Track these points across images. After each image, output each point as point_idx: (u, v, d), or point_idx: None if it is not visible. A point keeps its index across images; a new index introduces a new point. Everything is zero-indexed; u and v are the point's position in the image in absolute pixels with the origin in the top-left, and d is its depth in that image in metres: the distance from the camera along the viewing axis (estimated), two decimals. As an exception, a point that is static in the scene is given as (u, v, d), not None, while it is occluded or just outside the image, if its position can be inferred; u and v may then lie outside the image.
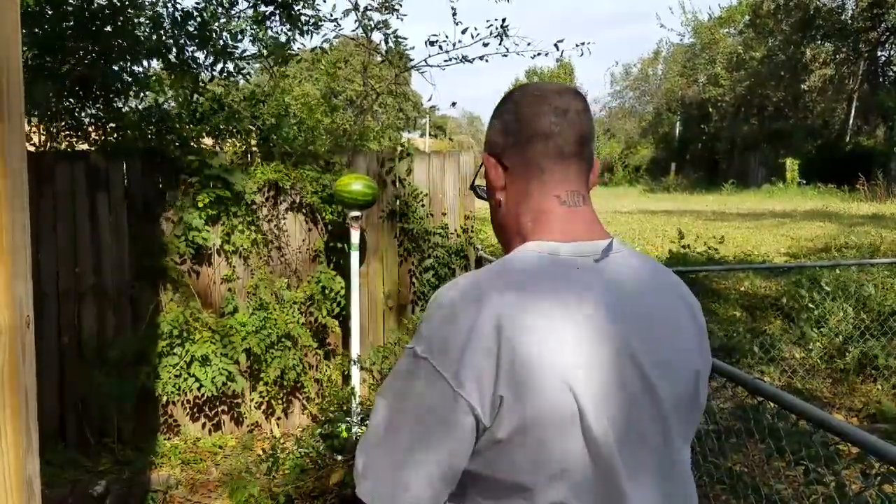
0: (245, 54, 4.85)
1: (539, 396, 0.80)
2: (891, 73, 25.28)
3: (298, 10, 4.82)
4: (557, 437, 0.81)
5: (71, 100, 4.42)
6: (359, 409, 4.00)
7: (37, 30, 4.15)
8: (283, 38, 4.97)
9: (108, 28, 4.32)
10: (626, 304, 0.89)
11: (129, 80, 4.49)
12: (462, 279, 0.90)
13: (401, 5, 5.15)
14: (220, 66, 4.74)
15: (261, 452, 4.06)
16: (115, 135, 4.38)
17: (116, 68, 4.38)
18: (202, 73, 4.76)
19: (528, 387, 0.80)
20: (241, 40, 4.74)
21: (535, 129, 0.95)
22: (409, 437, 0.85)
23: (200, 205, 4.06)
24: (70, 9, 4.26)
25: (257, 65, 5.23)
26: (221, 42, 4.65)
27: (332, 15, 5.12)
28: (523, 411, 0.80)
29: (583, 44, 5.55)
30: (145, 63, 4.67)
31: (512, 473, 0.83)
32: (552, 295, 0.86)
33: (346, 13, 5.10)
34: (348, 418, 3.91)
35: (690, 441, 0.97)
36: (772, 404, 1.92)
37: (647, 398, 0.87)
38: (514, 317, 0.82)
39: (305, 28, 4.92)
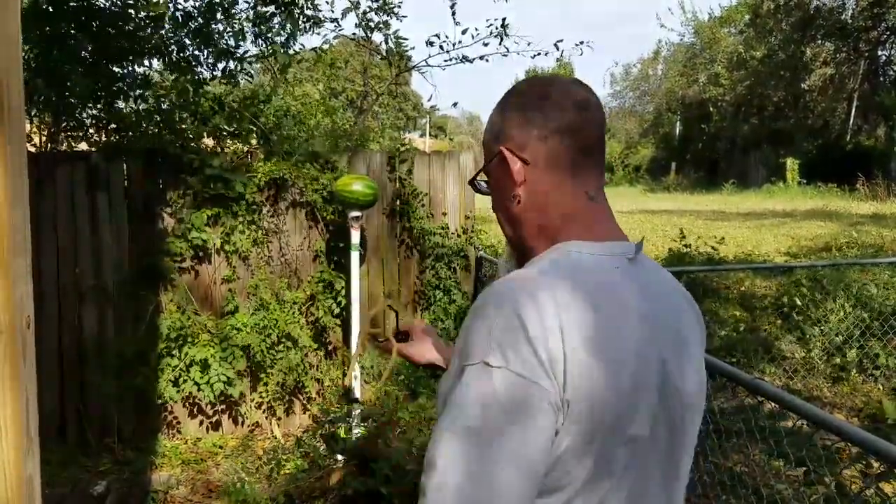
0: (247, 54, 4.85)
1: (599, 400, 0.79)
2: (891, 73, 25.26)
3: (299, 11, 4.81)
4: (612, 441, 0.81)
5: (71, 100, 4.42)
6: (359, 410, 4.01)
7: (37, 31, 4.15)
8: (283, 39, 4.97)
9: (110, 29, 4.32)
10: (658, 307, 0.90)
11: (130, 81, 4.49)
12: (509, 282, 0.85)
13: (400, 7, 5.15)
14: (221, 65, 4.74)
15: (261, 453, 4.06)
16: (116, 135, 4.38)
17: (117, 69, 4.38)
18: (203, 72, 4.76)
19: (590, 390, 0.79)
20: (242, 40, 4.74)
21: (561, 123, 0.94)
22: (514, 465, 0.76)
23: (200, 205, 4.06)
24: (71, 7, 4.26)
25: (258, 65, 5.23)
26: (223, 43, 4.65)
27: (332, 13, 5.10)
28: (585, 414, 0.79)
29: (581, 43, 5.56)
30: (146, 63, 4.67)
31: (563, 473, 0.80)
32: (604, 296, 0.85)
33: (345, 12, 5.08)
34: (348, 419, 3.91)
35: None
36: (772, 404, 1.92)
37: (674, 403, 0.88)
38: (573, 319, 0.80)
39: (307, 27, 4.91)
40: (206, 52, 4.71)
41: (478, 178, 1.07)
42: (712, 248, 7.15)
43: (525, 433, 0.76)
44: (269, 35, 4.91)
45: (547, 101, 0.95)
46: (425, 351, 1.30)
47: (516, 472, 0.76)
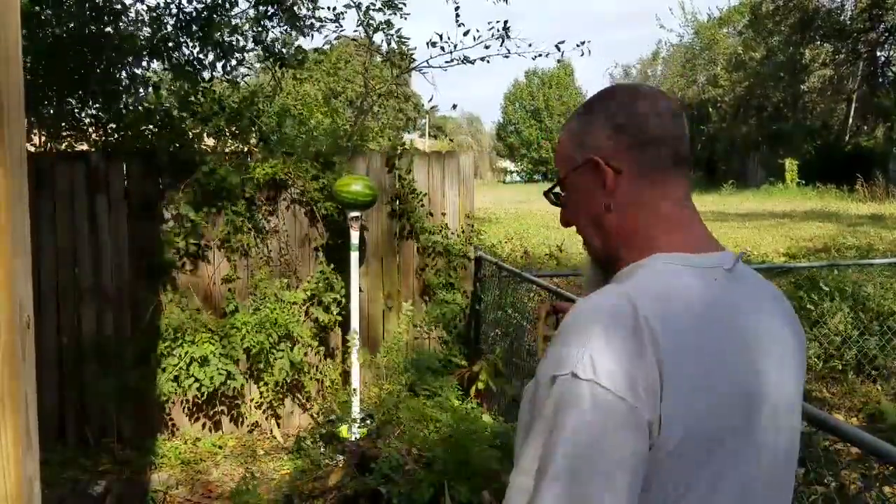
0: (247, 51, 4.84)
1: (695, 416, 0.78)
2: (890, 74, 25.28)
3: (301, 12, 4.82)
4: (706, 459, 0.79)
5: (71, 100, 4.42)
6: (359, 410, 4.00)
7: (37, 31, 4.15)
8: (283, 40, 4.97)
9: (108, 29, 4.32)
10: (757, 323, 0.88)
11: (128, 82, 4.49)
12: (602, 296, 0.84)
13: (405, 4, 5.13)
14: (221, 63, 4.73)
15: (261, 453, 4.06)
16: (115, 135, 4.38)
17: (117, 68, 4.38)
18: (203, 73, 4.75)
19: (686, 405, 0.77)
20: (242, 35, 4.73)
21: (653, 133, 0.92)
22: (604, 475, 0.74)
23: (200, 204, 4.07)
24: (70, 8, 4.26)
25: (258, 64, 5.23)
26: (223, 41, 4.65)
27: (334, 16, 5.10)
28: (679, 431, 0.77)
29: (582, 43, 5.55)
30: (145, 64, 4.67)
31: (653, 493, 0.78)
32: (700, 307, 0.83)
33: (347, 6, 5.06)
34: (348, 418, 3.91)
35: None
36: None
37: (767, 426, 0.86)
38: (669, 331, 0.79)
39: (306, 30, 4.91)
40: (206, 51, 4.70)
41: (554, 189, 1.02)
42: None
43: (614, 439, 0.75)
44: (269, 37, 4.90)
45: (638, 109, 0.93)
46: None
47: (605, 469, 0.74)
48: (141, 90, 4.61)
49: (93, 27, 4.28)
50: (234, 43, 4.70)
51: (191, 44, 4.66)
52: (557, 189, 1.02)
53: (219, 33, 4.60)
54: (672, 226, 0.91)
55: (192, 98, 4.28)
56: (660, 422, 0.76)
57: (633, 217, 0.93)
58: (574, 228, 1.00)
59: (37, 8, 4.11)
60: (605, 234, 0.96)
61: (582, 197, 0.97)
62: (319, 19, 5.04)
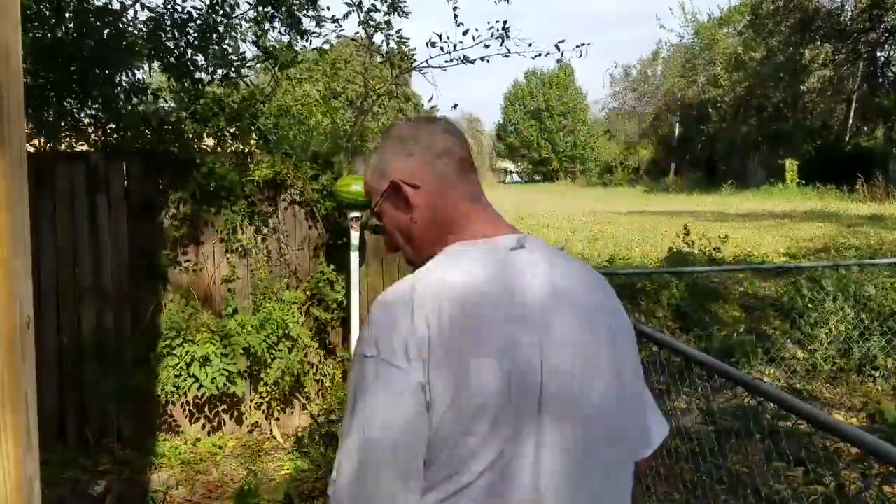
0: (245, 57, 4.85)
1: (465, 378, 0.88)
2: (890, 74, 25.27)
3: (301, 14, 4.81)
4: (487, 429, 0.88)
5: (70, 101, 4.42)
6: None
7: (37, 32, 4.15)
8: (284, 41, 4.96)
9: (108, 31, 4.32)
10: (539, 289, 0.98)
11: (127, 86, 4.49)
12: (393, 285, 0.98)
13: (405, 3, 5.13)
14: (220, 71, 4.73)
15: (261, 453, 4.06)
16: (115, 135, 4.38)
17: (119, 70, 4.37)
18: (202, 75, 4.75)
19: (453, 370, 0.88)
20: (243, 41, 4.73)
21: (439, 148, 1.10)
22: (388, 441, 0.88)
23: (200, 205, 4.06)
24: (69, 10, 4.26)
25: (258, 65, 5.22)
26: (222, 46, 4.64)
27: (333, 16, 5.09)
28: (448, 396, 0.87)
29: (582, 45, 5.57)
30: (145, 66, 4.66)
31: (442, 453, 0.88)
32: (475, 281, 0.95)
33: (347, 14, 5.08)
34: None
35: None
36: (772, 405, 1.92)
37: (550, 379, 0.93)
38: (441, 303, 0.91)
39: (307, 31, 4.91)
40: (205, 56, 4.69)
41: (371, 219, 1.19)
42: (715, 248, 7.15)
43: (393, 406, 0.87)
44: (270, 40, 4.90)
45: (421, 134, 1.11)
46: None
47: (388, 435, 0.87)
48: (141, 95, 4.60)
49: (95, 21, 4.27)
50: (230, 50, 4.69)
51: (189, 52, 4.65)
52: (375, 220, 1.17)
53: (216, 37, 4.59)
54: (469, 221, 1.07)
55: (192, 101, 4.28)
56: (430, 385, 0.87)
57: (436, 222, 1.08)
58: (417, 251, 1.12)
59: (35, 8, 4.10)
60: (416, 244, 1.11)
61: (393, 218, 1.12)
62: (320, 19, 5.03)
